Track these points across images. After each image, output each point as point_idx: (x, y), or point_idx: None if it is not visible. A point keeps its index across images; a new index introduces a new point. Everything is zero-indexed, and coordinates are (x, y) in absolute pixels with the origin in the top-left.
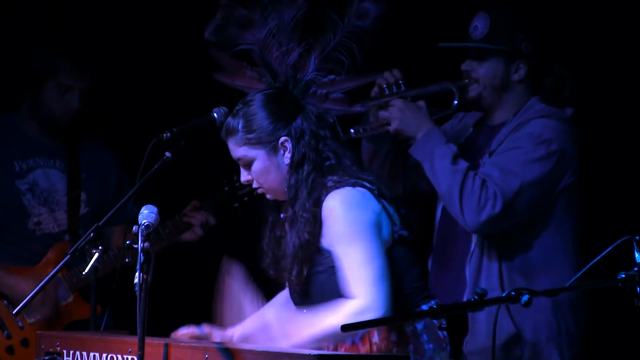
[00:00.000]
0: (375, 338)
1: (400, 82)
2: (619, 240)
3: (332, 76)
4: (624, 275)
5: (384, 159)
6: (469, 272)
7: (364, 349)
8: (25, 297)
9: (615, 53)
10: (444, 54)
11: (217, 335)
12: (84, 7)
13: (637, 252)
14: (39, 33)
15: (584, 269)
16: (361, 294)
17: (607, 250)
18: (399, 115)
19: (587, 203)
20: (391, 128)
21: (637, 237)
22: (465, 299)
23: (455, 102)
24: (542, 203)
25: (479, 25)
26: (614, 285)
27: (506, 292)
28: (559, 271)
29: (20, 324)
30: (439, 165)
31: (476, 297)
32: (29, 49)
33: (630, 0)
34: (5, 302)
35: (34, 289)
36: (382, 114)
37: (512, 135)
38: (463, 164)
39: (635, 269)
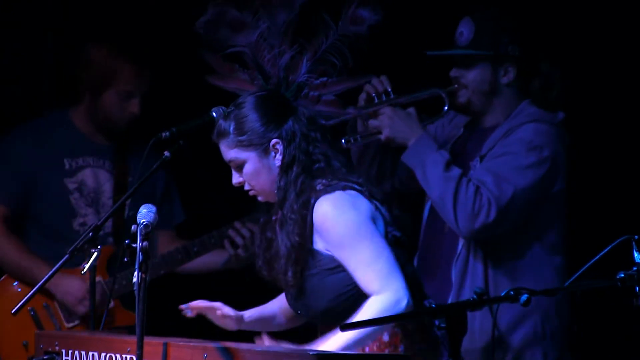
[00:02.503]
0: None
1: (389, 89)
2: (618, 240)
3: (324, 78)
4: (623, 275)
5: (371, 160)
6: (454, 273)
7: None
8: (70, 298)
9: (604, 53)
10: (433, 60)
11: (228, 311)
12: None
13: (636, 251)
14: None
15: (583, 269)
16: (381, 288)
17: (606, 249)
18: (389, 123)
19: (575, 208)
20: (382, 136)
21: (636, 237)
22: (449, 301)
23: (445, 107)
24: (534, 209)
25: (464, 31)
26: (613, 284)
27: (505, 292)
28: (545, 275)
29: (57, 327)
30: (431, 173)
31: (475, 296)
32: (92, 51)
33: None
34: (44, 303)
35: (78, 291)
36: (372, 122)
37: (503, 140)
38: (456, 171)
39: (635, 268)
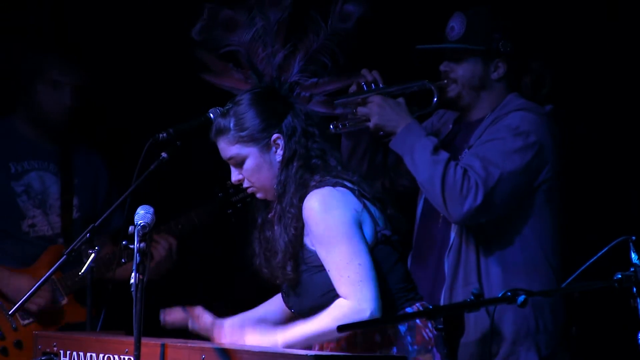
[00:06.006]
0: (360, 339)
1: (378, 79)
2: (616, 241)
3: (315, 79)
4: (620, 276)
5: (362, 155)
6: (447, 265)
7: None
8: (23, 297)
9: (597, 49)
10: (422, 55)
11: (207, 319)
12: (76, 8)
13: (633, 252)
14: (31, 34)
15: (580, 270)
16: (349, 294)
17: (604, 250)
18: (378, 110)
19: (567, 200)
20: (371, 124)
21: (634, 238)
22: (443, 295)
23: (435, 100)
24: (522, 195)
25: (456, 25)
26: (610, 285)
27: (502, 292)
28: (538, 269)
29: (13, 326)
30: (420, 157)
31: (472, 297)
32: (19, 50)
33: None
34: (0, 302)
35: (29, 290)
36: (361, 110)
37: (490, 128)
38: (444, 155)
39: (632, 269)
